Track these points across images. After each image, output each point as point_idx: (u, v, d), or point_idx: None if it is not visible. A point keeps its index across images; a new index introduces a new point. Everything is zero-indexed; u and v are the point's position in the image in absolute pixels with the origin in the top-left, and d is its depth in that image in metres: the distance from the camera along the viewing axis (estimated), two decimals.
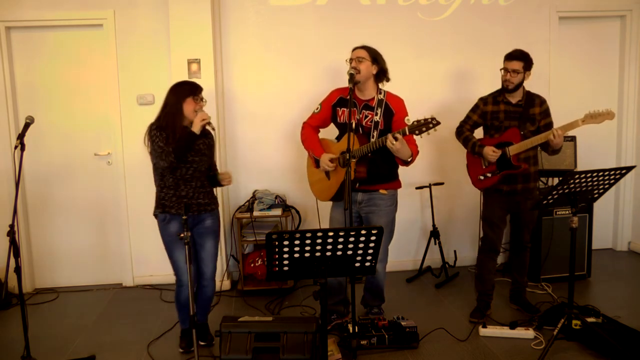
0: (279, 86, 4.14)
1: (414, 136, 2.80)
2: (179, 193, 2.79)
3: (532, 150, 3.16)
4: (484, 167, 3.22)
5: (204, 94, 2.86)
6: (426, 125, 2.66)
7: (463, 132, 3.30)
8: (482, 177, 3.23)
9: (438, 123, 2.67)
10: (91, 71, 4.03)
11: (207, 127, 2.81)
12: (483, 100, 3.27)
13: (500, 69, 3.14)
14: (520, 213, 3.22)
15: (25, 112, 3.94)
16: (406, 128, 2.72)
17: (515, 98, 3.16)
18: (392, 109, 2.99)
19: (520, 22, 4.27)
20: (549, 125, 3.13)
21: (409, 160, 2.92)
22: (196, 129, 2.71)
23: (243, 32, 4.08)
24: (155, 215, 2.85)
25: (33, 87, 4.01)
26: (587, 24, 4.48)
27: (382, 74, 3.03)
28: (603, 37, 4.52)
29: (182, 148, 2.71)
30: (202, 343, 3.02)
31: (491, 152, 3.10)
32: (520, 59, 3.07)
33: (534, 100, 3.15)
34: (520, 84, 3.12)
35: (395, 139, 2.72)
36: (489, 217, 3.28)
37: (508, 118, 3.15)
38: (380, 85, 3.06)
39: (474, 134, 3.30)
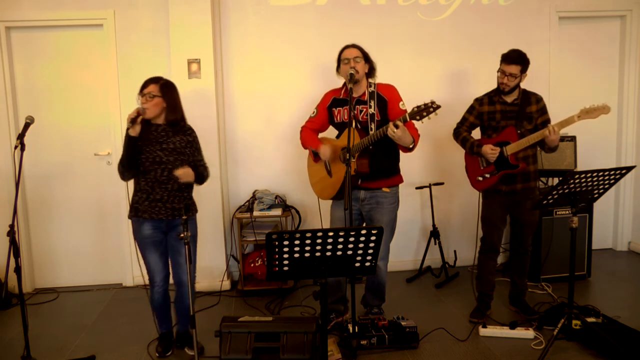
0: (279, 86, 4.14)
1: (415, 122, 2.80)
2: (153, 197, 2.71)
3: (531, 149, 3.15)
4: (482, 167, 3.21)
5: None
6: (426, 110, 2.66)
7: (460, 133, 3.30)
8: (480, 178, 3.22)
9: (438, 107, 2.66)
10: (91, 71, 4.03)
11: (139, 118, 2.61)
12: (478, 101, 3.26)
13: (497, 71, 3.12)
14: (521, 214, 3.20)
15: (25, 112, 3.94)
16: (407, 115, 2.73)
17: (511, 97, 3.15)
18: (384, 98, 3.00)
19: (520, 22, 4.27)
20: (546, 123, 3.12)
21: (412, 146, 2.92)
22: (130, 132, 2.62)
23: (243, 32, 4.08)
24: (130, 218, 2.81)
25: (33, 87, 4.01)
26: (587, 24, 4.48)
27: (372, 71, 3.07)
28: (603, 37, 4.52)
29: (125, 154, 2.64)
30: (190, 353, 2.92)
31: (490, 151, 3.09)
32: (519, 62, 3.04)
33: (530, 99, 3.13)
34: (516, 86, 3.11)
35: (396, 126, 2.72)
36: (488, 218, 3.27)
37: (505, 118, 3.14)
38: (370, 80, 3.08)
39: (472, 135, 3.30)
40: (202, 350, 2.93)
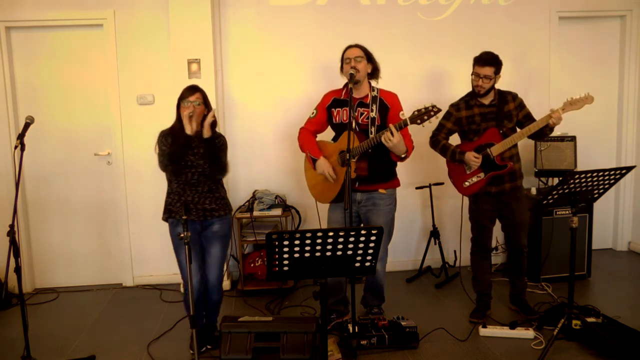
0: (279, 86, 4.14)
1: (416, 125, 2.80)
2: (184, 198, 2.80)
3: (514, 148, 3.16)
4: (467, 172, 3.20)
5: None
6: (427, 113, 2.67)
7: (439, 142, 3.26)
8: (467, 183, 3.20)
9: (439, 110, 2.68)
10: (91, 71, 4.03)
11: (205, 122, 2.73)
12: (455, 107, 3.24)
13: (471, 74, 3.13)
14: (511, 214, 3.20)
15: (25, 112, 3.94)
16: (407, 118, 2.73)
17: (488, 99, 3.16)
18: (387, 104, 3.01)
19: (520, 22, 4.27)
20: (529, 116, 3.15)
21: (404, 156, 2.93)
22: (187, 129, 2.72)
23: (243, 32, 4.08)
24: (165, 220, 2.89)
25: (33, 87, 4.01)
26: (587, 24, 4.48)
27: (376, 72, 3.06)
28: (603, 37, 4.52)
29: (175, 151, 2.73)
30: (208, 346, 2.97)
31: (473, 158, 3.09)
32: (492, 64, 3.06)
33: (506, 98, 3.15)
34: (491, 89, 3.12)
35: (392, 134, 2.73)
36: (479, 220, 3.27)
37: (485, 120, 3.14)
38: (373, 83, 3.07)
39: (450, 141, 3.28)
40: (217, 344, 2.92)
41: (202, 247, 2.91)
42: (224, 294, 3.84)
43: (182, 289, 2.95)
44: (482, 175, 3.14)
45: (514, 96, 3.17)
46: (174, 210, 2.82)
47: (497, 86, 3.18)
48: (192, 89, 2.82)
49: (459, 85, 4.19)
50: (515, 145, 3.16)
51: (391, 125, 2.76)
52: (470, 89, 3.25)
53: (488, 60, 3.06)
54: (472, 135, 3.18)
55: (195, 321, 2.50)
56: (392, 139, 2.73)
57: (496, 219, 3.31)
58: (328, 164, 3.05)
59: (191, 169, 2.80)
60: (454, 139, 3.31)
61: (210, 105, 2.89)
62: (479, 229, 3.28)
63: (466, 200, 3.36)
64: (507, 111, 3.12)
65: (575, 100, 2.92)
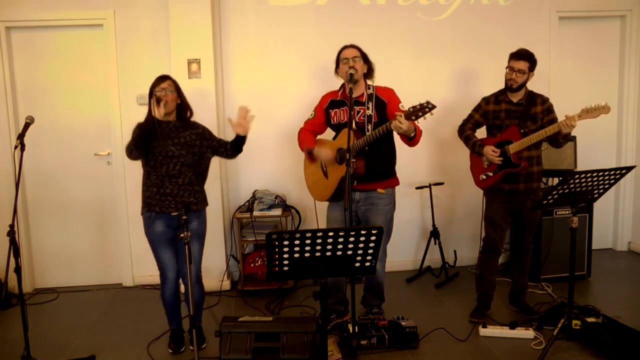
0: (279, 86, 4.14)
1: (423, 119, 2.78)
2: (163, 190, 2.78)
3: (536, 150, 3.15)
4: (485, 166, 3.22)
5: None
6: (422, 110, 2.66)
7: (465, 131, 3.31)
8: (483, 177, 3.23)
9: (434, 107, 2.65)
10: (91, 71, 4.03)
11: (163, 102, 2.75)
12: (485, 99, 3.28)
13: (506, 67, 3.14)
14: (522, 213, 3.20)
15: (25, 112, 3.94)
16: (402, 115, 2.72)
17: (516, 97, 3.16)
18: (383, 100, 3.01)
19: (520, 22, 4.27)
20: (554, 122, 3.11)
21: (413, 135, 2.87)
22: (155, 113, 2.72)
23: (243, 32, 4.08)
24: (142, 214, 2.86)
25: (33, 87, 4.01)
26: (587, 24, 4.48)
27: (370, 72, 3.08)
28: (603, 37, 4.52)
29: (140, 134, 2.71)
30: (191, 348, 2.95)
31: (491, 152, 3.11)
32: (527, 59, 3.08)
33: (535, 100, 3.15)
34: (523, 84, 3.12)
35: (400, 122, 2.69)
36: (491, 217, 3.27)
37: (509, 117, 3.15)
38: (368, 82, 3.08)
39: (477, 134, 3.31)
40: (204, 341, 3.00)
41: (178, 242, 2.85)
42: (222, 294, 3.89)
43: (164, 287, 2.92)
44: (497, 170, 3.15)
45: (543, 100, 3.16)
46: (152, 203, 2.79)
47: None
48: (163, 77, 2.84)
49: (459, 85, 4.20)
50: (537, 148, 3.15)
51: (397, 113, 2.71)
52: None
53: (523, 55, 3.09)
54: (495, 131, 3.21)
55: (194, 321, 2.51)
56: (402, 125, 2.71)
57: (509, 221, 3.30)
58: (327, 149, 3.05)
59: (172, 159, 2.77)
60: (481, 134, 3.33)
61: (183, 94, 2.89)
62: (490, 227, 3.28)
63: (483, 200, 3.37)
64: (533, 113, 3.12)
65: (593, 108, 2.88)
